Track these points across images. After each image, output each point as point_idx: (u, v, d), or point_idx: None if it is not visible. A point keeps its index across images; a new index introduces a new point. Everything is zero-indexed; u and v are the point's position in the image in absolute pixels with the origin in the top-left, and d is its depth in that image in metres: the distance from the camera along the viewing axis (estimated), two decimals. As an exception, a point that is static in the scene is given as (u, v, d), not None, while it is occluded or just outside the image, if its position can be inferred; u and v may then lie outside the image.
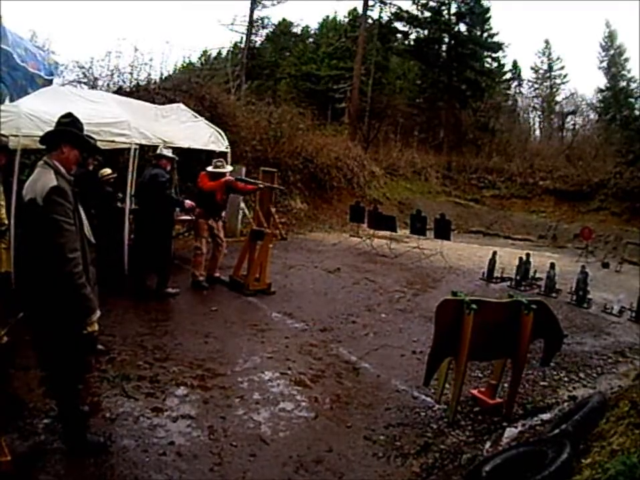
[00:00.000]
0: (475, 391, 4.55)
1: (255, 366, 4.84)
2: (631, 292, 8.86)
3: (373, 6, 25.22)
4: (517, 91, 32.85)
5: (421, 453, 3.58)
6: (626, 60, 27.48)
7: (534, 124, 31.85)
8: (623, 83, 27.30)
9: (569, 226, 19.13)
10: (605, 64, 28.35)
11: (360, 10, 25.92)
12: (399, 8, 25.68)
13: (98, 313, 2.90)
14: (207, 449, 3.32)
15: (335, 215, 16.79)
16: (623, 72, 27.53)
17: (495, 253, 9.98)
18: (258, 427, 3.69)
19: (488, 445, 3.77)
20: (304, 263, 10.12)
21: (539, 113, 31.91)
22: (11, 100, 3.28)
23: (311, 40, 30.62)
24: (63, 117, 3.07)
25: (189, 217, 7.96)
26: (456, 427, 3.99)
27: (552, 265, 9.06)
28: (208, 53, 29.69)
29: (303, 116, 17.45)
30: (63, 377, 2.97)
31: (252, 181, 7.59)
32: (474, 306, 3.89)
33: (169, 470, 3.05)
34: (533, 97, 32.61)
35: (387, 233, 13.24)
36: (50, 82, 3.19)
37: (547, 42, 33.15)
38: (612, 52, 27.95)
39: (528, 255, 9.65)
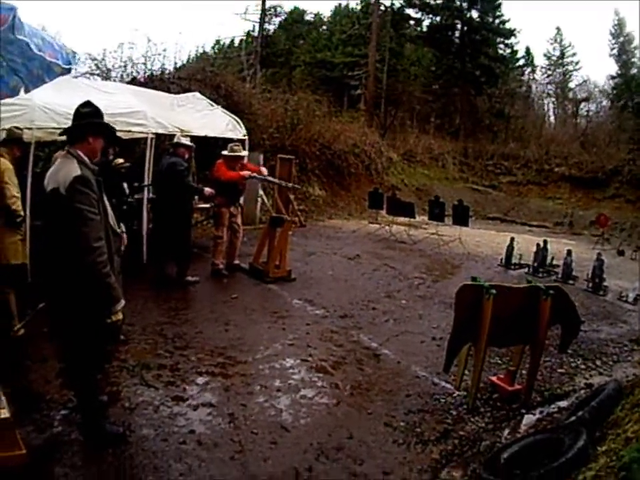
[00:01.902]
0: (494, 378, 4.50)
1: (275, 353, 4.86)
2: None
3: None
4: (531, 77, 32.44)
5: (440, 440, 3.57)
6: (635, 48, 27.11)
7: (548, 110, 31.48)
8: (634, 70, 26.91)
9: (585, 213, 18.95)
10: (615, 51, 27.97)
11: None
12: None
13: (122, 302, 2.91)
14: (228, 437, 3.34)
15: (353, 201, 16.72)
16: (634, 59, 27.17)
17: (512, 240, 9.85)
18: (279, 415, 3.71)
19: (506, 432, 3.74)
20: (323, 249, 10.10)
21: (552, 99, 31.45)
22: (26, 91, 3.28)
23: (324, 27, 30.33)
24: (82, 106, 3.04)
25: (207, 205, 7.97)
26: (475, 414, 3.97)
27: (569, 252, 8.93)
28: (222, 42, 29.70)
29: (319, 103, 17.30)
30: (83, 366, 3.00)
31: (271, 180, 7.55)
32: (493, 291, 3.83)
33: (189, 459, 3.07)
34: (547, 83, 32.06)
35: (406, 220, 13.15)
36: (68, 71, 3.18)
37: (558, 29, 33.08)
38: (622, 39, 27.48)
39: (545, 242, 9.48)
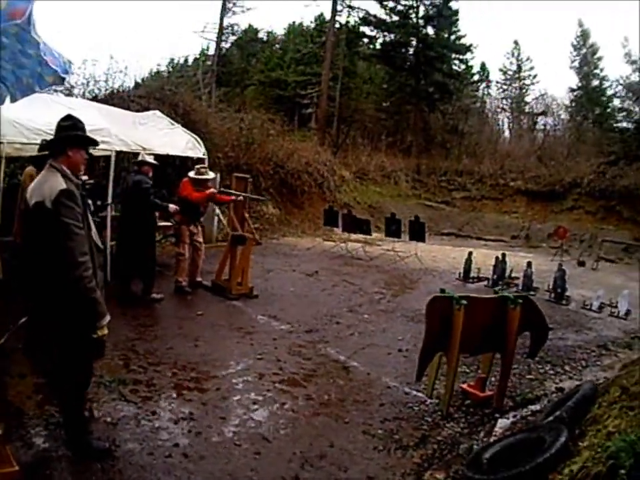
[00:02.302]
0: (464, 385, 4.68)
1: (247, 367, 4.87)
2: (608, 289, 9.21)
3: (341, 11, 25.53)
4: (485, 92, 33.15)
5: (419, 445, 3.69)
6: (599, 59, 27.86)
7: (503, 125, 32.12)
8: (596, 82, 27.70)
9: (542, 226, 19.36)
10: (576, 63, 28.65)
11: (327, 15, 26.23)
12: (367, 12, 25.98)
13: (108, 317, 2.88)
14: (213, 449, 3.33)
15: (307, 219, 16.89)
16: (596, 71, 27.90)
17: (470, 254, 10.21)
18: (258, 426, 3.73)
19: (482, 435, 3.91)
20: (281, 266, 10.17)
21: (507, 114, 32.18)
22: (13, 100, 3.15)
23: (277, 46, 30.65)
24: (62, 120, 3.05)
25: (168, 223, 7.92)
26: (450, 420, 4.12)
27: (529, 264, 9.34)
28: (175, 61, 29.49)
29: (273, 122, 17.56)
30: (70, 382, 2.94)
31: (234, 192, 7.63)
32: (464, 301, 4.04)
33: (177, 471, 3.05)
34: (502, 98, 32.88)
35: (360, 237, 13.40)
36: (62, 80, 3.04)
37: (516, 42, 33.43)
38: (584, 51, 28.23)
39: (504, 255, 9.90)
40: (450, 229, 19.29)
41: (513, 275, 10.05)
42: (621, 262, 15.61)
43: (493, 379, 4.69)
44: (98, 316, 2.81)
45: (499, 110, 31.40)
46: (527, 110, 30.47)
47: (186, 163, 10.04)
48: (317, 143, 20.55)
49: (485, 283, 9.84)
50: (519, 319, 4.22)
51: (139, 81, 16.92)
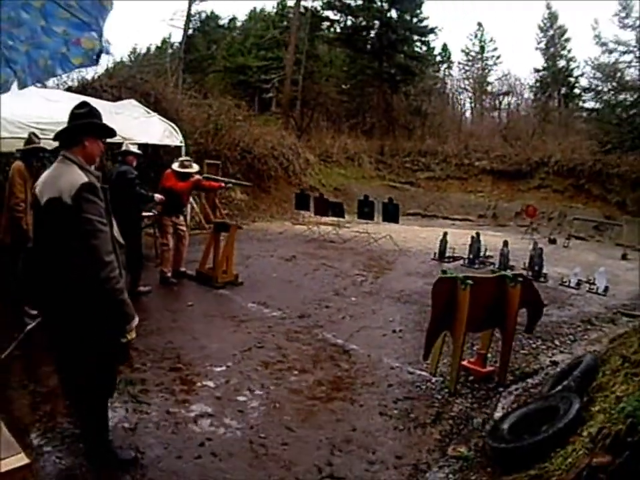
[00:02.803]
0: (464, 362, 4.81)
1: (250, 357, 4.84)
2: (583, 266, 9.59)
3: None
4: (447, 73, 33.42)
5: (436, 422, 3.80)
6: (567, 40, 28.58)
7: (464, 105, 32.43)
8: (562, 63, 28.40)
9: (509, 204, 19.68)
10: (542, 44, 29.31)
11: (289, 1, 25.94)
12: None
13: (137, 319, 2.72)
14: (239, 445, 3.30)
15: (274, 204, 16.82)
16: (563, 52, 28.60)
17: (445, 234, 10.43)
18: (278, 416, 3.72)
19: (492, 408, 4.05)
20: (258, 252, 10.09)
21: (469, 94, 32.50)
22: (23, 86, 2.82)
23: (238, 32, 29.97)
24: (77, 107, 2.81)
25: (150, 214, 7.72)
26: (458, 396, 4.25)
27: (505, 243, 9.59)
28: (137, 51, 28.50)
29: (239, 107, 17.42)
30: (94, 391, 2.77)
31: (219, 178, 7.53)
32: (470, 281, 4.13)
33: (211, 473, 2.99)
34: (464, 78, 33.18)
35: (329, 219, 13.41)
36: (95, 62, 2.72)
37: (479, 24, 33.93)
38: (551, 32, 28.88)
39: (478, 234, 10.13)
40: (416, 209, 19.50)
41: (488, 253, 10.32)
42: (592, 239, 16.14)
43: (489, 354, 4.83)
44: (127, 318, 2.65)
45: (460, 90, 31.72)
46: (489, 90, 30.81)
47: (158, 151, 9.78)
48: (281, 127, 20.39)
49: (461, 262, 10.06)
50: (519, 296, 4.37)
51: (110, 70, 16.36)
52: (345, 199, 17.43)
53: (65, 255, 2.57)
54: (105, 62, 20.60)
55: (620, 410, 2.64)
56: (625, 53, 21.31)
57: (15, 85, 2.84)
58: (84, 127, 2.74)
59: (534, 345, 5.58)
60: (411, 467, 3.20)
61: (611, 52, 21.70)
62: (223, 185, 7.47)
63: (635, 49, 20.72)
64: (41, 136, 5.26)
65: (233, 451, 3.22)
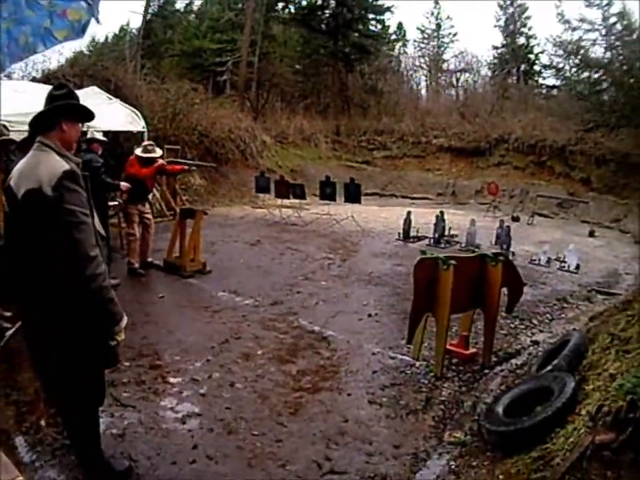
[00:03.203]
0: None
1: (229, 349, 4.70)
2: (550, 243, 9.77)
3: None
4: (402, 51, 33.16)
5: (426, 407, 3.79)
6: (527, 17, 28.84)
7: (420, 83, 32.13)
8: (522, 40, 28.69)
9: (468, 182, 19.60)
10: (501, 22, 29.52)
11: None
12: None
13: (126, 319, 2.51)
14: (233, 445, 3.18)
15: (232, 188, 16.47)
16: (523, 29, 28.87)
17: (409, 213, 10.46)
18: (267, 411, 3.62)
19: (480, 391, 4.09)
20: (222, 238, 9.85)
21: (425, 72, 32.30)
22: (1, 68, 2.58)
23: (194, 16, 28.85)
24: (56, 88, 2.58)
25: (115, 203, 7.39)
26: (445, 380, 4.25)
27: (472, 222, 9.69)
28: (97, 39, 27.11)
29: (195, 91, 16.98)
30: (85, 401, 2.57)
31: (182, 161, 7.27)
32: (453, 262, 4.12)
33: (209, 477, 2.87)
34: (419, 56, 33.00)
35: (287, 202, 13.18)
36: (80, 35, 2.43)
37: (436, 2, 33.76)
38: (511, 10, 29.07)
39: (442, 213, 10.21)
40: (373, 188, 19.29)
41: (452, 232, 10.43)
42: (556, 217, 16.41)
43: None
44: (116, 318, 2.44)
45: (415, 68, 31.57)
46: (444, 68, 30.77)
47: (118, 138, 9.39)
48: (237, 109, 19.92)
49: (426, 241, 10.13)
50: (501, 275, 4.40)
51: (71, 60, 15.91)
52: (302, 180, 17.18)
53: (45, 251, 2.34)
54: (68, 50, 19.85)
55: (618, 387, 2.69)
56: (589, 31, 21.74)
57: None
58: (62, 109, 2.49)
59: (512, 325, 5.65)
60: (411, 456, 3.18)
61: (574, 29, 22.10)
62: (186, 167, 7.22)
63: (601, 27, 21.15)
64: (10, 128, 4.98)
65: (228, 452, 3.10)
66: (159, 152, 7.06)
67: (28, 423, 3.25)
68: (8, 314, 4.82)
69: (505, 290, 4.68)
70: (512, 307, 4.88)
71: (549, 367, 3.60)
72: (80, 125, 2.65)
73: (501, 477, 2.82)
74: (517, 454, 2.87)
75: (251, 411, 3.60)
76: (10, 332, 3.20)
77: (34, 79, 12.25)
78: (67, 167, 2.35)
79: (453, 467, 3.07)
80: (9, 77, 11.62)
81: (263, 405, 3.69)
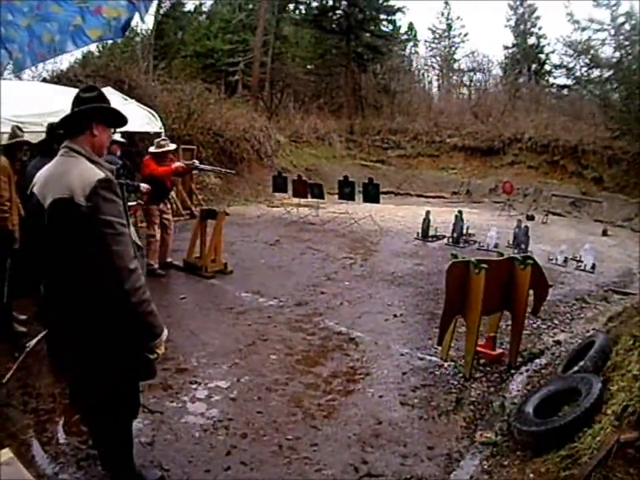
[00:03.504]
0: (473, 345, 4.79)
1: (256, 351, 4.69)
2: (565, 242, 9.66)
3: None
4: (413, 51, 33.19)
5: (457, 408, 3.76)
6: (537, 18, 28.66)
7: (430, 82, 31.95)
8: (532, 40, 28.53)
9: (482, 181, 19.53)
10: (512, 22, 29.33)
11: None
12: None
13: (166, 332, 2.40)
14: (268, 450, 3.15)
15: (248, 187, 16.53)
16: (533, 29, 28.71)
17: (428, 213, 10.37)
18: (300, 414, 3.60)
19: (509, 391, 4.05)
20: (240, 237, 9.86)
21: (437, 71, 32.24)
22: (20, 68, 2.37)
23: (205, 17, 28.93)
24: (84, 90, 2.42)
25: (134, 203, 7.40)
26: (473, 380, 4.22)
27: (491, 226, 9.54)
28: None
29: (210, 91, 17.12)
30: (121, 412, 2.50)
31: (201, 167, 7.32)
32: (485, 265, 4.07)
33: (245, 483, 2.85)
34: (430, 56, 32.94)
35: (303, 201, 13.09)
36: (120, 34, 2.31)
37: (446, 2, 33.72)
38: (522, 10, 28.86)
39: (461, 212, 10.10)
40: (388, 187, 19.07)
41: (469, 231, 10.34)
42: (569, 215, 16.29)
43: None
44: (156, 332, 2.33)
45: (427, 67, 31.46)
46: (455, 67, 30.65)
47: (133, 138, 9.42)
48: (250, 109, 19.98)
49: (445, 241, 10.05)
50: (529, 278, 4.35)
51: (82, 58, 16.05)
52: (317, 179, 17.22)
53: (79, 265, 2.20)
54: (78, 51, 19.91)
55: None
56: (598, 30, 21.52)
57: (9, 68, 2.51)
58: (93, 112, 2.35)
59: (534, 325, 5.59)
60: (445, 457, 3.16)
61: (583, 29, 21.90)
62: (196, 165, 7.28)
63: (609, 27, 20.94)
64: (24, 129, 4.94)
65: (263, 458, 3.07)
66: (172, 145, 7.06)
67: (49, 432, 3.22)
68: (23, 317, 4.85)
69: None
70: (538, 309, 4.83)
71: (576, 368, 3.64)
72: (111, 129, 2.52)
73: (531, 475, 2.84)
74: (546, 453, 2.90)
75: (283, 414, 3.58)
76: (32, 343, 3.14)
77: (44, 80, 12.21)
78: (101, 174, 2.22)
79: (485, 466, 3.06)
80: (19, 77, 11.66)
81: (295, 409, 3.67)
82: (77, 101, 2.37)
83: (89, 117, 2.34)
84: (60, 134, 4.23)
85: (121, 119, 2.51)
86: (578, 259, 8.54)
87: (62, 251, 2.23)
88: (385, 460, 3.10)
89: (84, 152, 2.29)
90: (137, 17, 2.18)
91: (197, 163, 7.55)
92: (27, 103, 6.30)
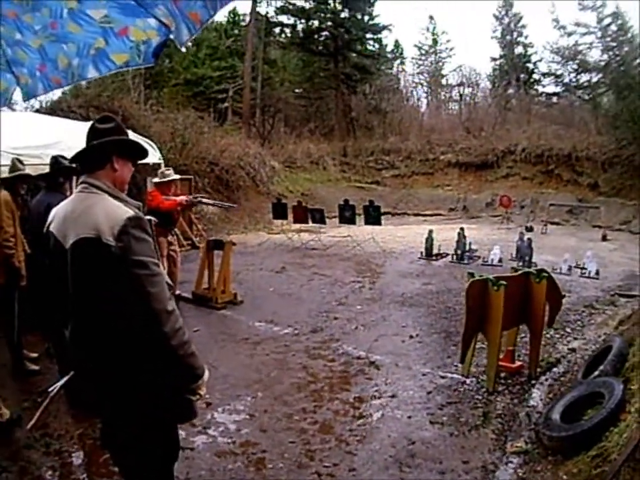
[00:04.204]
0: (494, 360, 4.84)
1: (279, 381, 4.69)
2: (567, 251, 9.78)
3: (260, 1, 25.22)
4: (400, 69, 33.37)
5: (485, 422, 3.83)
6: (523, 26, 29.00)
7: (419, 99, 32.03)
8: (520, 49, 28.82)
9: (478, 196, 19.71)
10: (498, 33, 29.68)
11: (240, 9, 26.20)
12: (286, 0, 25.88)
13: (207, 373, 2.24)
14: (304, 478, 3.19)
15: (246, 214, 16.61)
16: (520, 38, 29.02)
17: (430, 232, 10.48)
18: (334, 440, 3.62)
19: (532, 401, 4.15)
20: (245, 266, 9.86)
21: (425, 88, 32.24)
22: (29, 96, 2.19)
23: (190, 44, 29.42)
24: (101, 121, 2.24)
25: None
26: (497, 394, 4.29)
27: (492, 240, 9.66)
28: None
29: (202, 119, 17.30)
30: (163, 457, 2.34)
31: (205, 201, 7.40)
32: (504, 282, 4.16)
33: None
34: (417, 73, 33.17)
35: (302, 226, 13.11)
36: (152, 60, 2.07)
37: (431, 17, 34.48)
38: (507, 20, 29.16)
39: (463, 229, 10.23)
40: (384, 208, 18.84)
41: (472, 247, 10.43)
42: (567, 224, 16.49)
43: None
44: (197, 373, 2.17)
45: (415, 84, 31.55)
46: (444, 82, 30.80)
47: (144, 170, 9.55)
48: (243, 136, 20.20)
49: (449, 258, 10.13)
50: (544, 291, 4.44)
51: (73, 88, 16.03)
52: (313, 203, 17.35)
53: (107, 305, 2.06)
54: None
55: None
56: (584, 34, 21.80)
57: (17, 96, 2.28)
58: (114, 145, 2.19)
59: (548, 335, 5.64)
60: (480, 470, 3.23)
61: (570, 34, 22.17)
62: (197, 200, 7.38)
63: (596, 30, 21.20)
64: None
65: (301, 486, 3.10)
66: (176, 175, 7.14)
67: (75, 474, 3.22)
68: (34, 355, 4.83)
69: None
70: (553, 320, 4.91)
71: (596, 373, 3.77)
72: (132, 163, 2.32)
73: (564, 477, 2.95)
74: (576, 455, 3.01)
75: (317, 442, 3.60)
76: (57, 386, 3.08)
77: (38, 111, 12.06)
78: (130, 212, 2.06)
79: (520, 474, 3.16)
80: (12, 108, 11.61)
81: (328, 436, 3.69)
82: (94, 132, 2.21)
83: (108, 150, 2.18)
84: (67, 167, 4.27)
85: (142, 152, 2.37)
86: (582, 266, 8.69)
87: (88, 292, 2.10)
88: (423, 478, 3.15)
89: (106, 188, 2.13)
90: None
91: (199, 197, 7.61)
92: (23, 134, 6.20)
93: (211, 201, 7.45)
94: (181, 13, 1.78)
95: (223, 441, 3.67)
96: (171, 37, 1.95)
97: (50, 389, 3.70)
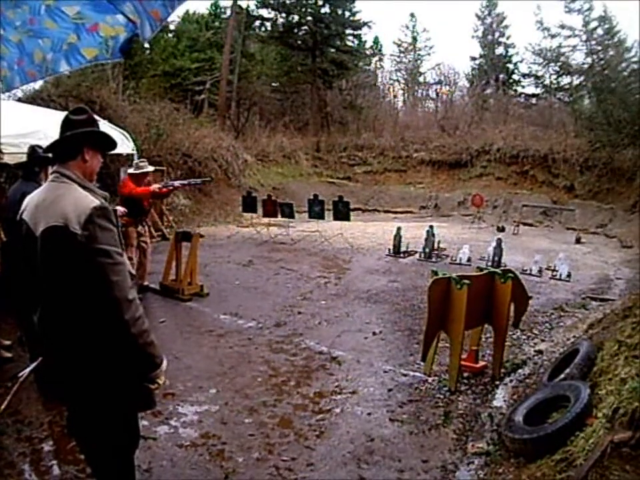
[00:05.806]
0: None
1: (241, 374, 4.68)
2: (538, 252, 9.94)
3: None
4: (378, 66, 33.33)
5: (446, 421, 3.85)
6: (505, 27, 29.18)
7: (396, 96, 31.94)
8: (501, 50, 28.99)
9: (450, 194, 19.65)
10: (479, 33, 29.75)
11: (222, 2, 26.03)
12: None
13: (165, 362, 2.32)
14: (265, 473, 3.16)
15: (217, 207, 16.45)
16: (501, 39, 29.20)
17: (399, 229, 10.55)
18: (293, 435, 3.62)
19: (495, 402, 4.18)
20: (213, 259, 9.80)
21: (402, 85, 32.28)
22: (8, 87, 2.28)
23: (171, 35, 28.80)
24: (74, 112, 2.30)
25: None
26: (459, 393, 4.33)
27: (462, 239, 9.76)
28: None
29: (178, 111, 17.15)
30: (124, 444, 2.42)
31: (178, 183, 7.32)
32: (467, 281, 4.22)
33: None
34: (395, 70, 33.23)
35: (272, 220, 13.04)
36: (120, 55, 2.16)
37: (412, 15, 34.55)
38: (489, 20, 29.26)
39: (432, 227, 10.32)
40: (355, 204, 18.95)
41: (441, 245, 10.55)
42: (540, 225, 16.55)
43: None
44: (156, 362, 2.26)
45: (392, 81, 31.59)
46: (421, 80, 30.81)
47: (105, 159, 9.31)
48: (218, 128, 19.98)
49: (417, 256, 10.23)
50: (510, 292, 4.52)
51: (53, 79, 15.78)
52: (284, 197, 17.31)
53: (74, 293, 2.13)
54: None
55: (632, 389, 2.87)
56: (569, 37, 21.95)
57: None
58: (84, 136, 2.26)
59: (514, 336, 5.74)
60: (440, 469, 3.24)
61: (553, 36, 22.30)
62: (172, 188, 7.23)
63: (581, 33, 21.36)
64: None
65: None
66: (150, 168, 7.08)
67: (45, 460, 3.18)
68: (7, 342, 4.74)
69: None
70: (519, 321, 4.98)
71: (562, 376, 3.76)
72: (101, 154, 2.39)
73: None
74: (540, 459, 2.99)
75: (276, 436, 3.60)
76: (26, 372, 3.05)
77: (19, 100, 11.81)
78: (96, 202, 2.14)
79: (481, 475, 3.16)
80: None
81: (287, 430, 3.69)
82: (67, 124, 2.28)
83: (80, 141, 2.25)
84: (42, 157, 4.22)
85: (111, 143, 2.44)
86: (553, 268, 8.70)
87: (56, 278, 2.15)
88: (381, 475, 3.16)
89: (75, 178, 2.21)
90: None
91: (170, 183, 7.51)
92: (3, 123, 6.10)
93: (185, 182, 7.40)
94: (145, 11, 1.92)
95: (185, 431, 3.64)
96: (137, 32, 2.07)
97: (19, 374, 3.67)
